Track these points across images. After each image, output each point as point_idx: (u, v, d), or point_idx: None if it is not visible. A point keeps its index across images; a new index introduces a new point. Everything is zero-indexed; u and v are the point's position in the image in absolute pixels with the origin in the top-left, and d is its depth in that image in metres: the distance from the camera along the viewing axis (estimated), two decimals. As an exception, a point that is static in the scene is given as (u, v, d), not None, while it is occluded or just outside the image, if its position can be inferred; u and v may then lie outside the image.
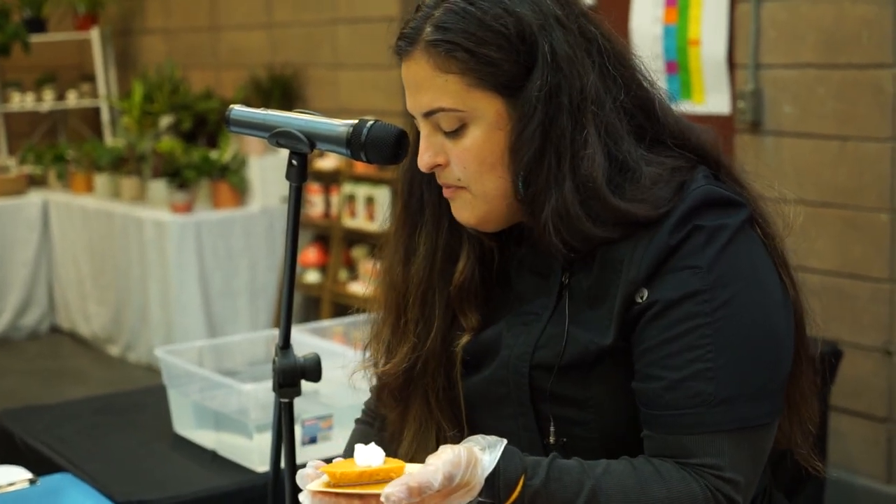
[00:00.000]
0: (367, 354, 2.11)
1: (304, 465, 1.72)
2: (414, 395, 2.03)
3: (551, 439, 1.89)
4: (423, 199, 2.00)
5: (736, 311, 1.76)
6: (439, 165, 1.89)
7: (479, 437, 1.72)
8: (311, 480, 1.69)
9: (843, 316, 4.73)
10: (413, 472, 1.63)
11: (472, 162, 1.85)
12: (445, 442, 1.89)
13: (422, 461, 1.70)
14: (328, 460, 1.73)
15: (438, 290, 1.98)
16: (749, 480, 1.77)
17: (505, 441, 1.71)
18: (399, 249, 2.02)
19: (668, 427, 1.76)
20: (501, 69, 1.81)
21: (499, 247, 1.98)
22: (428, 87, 1.84)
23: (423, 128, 1.89)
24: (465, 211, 1.90)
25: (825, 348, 4.36)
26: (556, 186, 1.80)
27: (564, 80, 1.80)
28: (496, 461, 1.69)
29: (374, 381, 2.10)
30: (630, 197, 1.80)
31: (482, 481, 1.67)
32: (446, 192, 1.92)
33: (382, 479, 1.64)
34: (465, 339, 1.97)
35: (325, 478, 1.67)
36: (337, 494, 1.65)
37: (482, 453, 1.69)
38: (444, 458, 1.64)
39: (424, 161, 1.89)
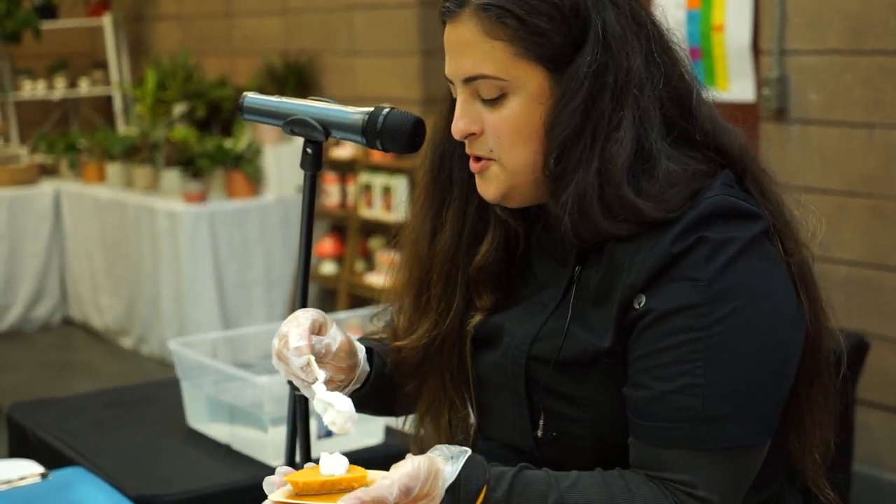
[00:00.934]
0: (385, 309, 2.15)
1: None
2: (430, 372, 2.04)
3: (539, 433, 1.88)
4: (452, 175, 1.98)
5: (733, 329, 1.72)
6: (473, 134, 1.85)
7: (443, 447, 1.72)
8: (276, 488, 1.69)
9: (870, 307, 4.69)
10: (368, 487, 1.63)
11: (507, 133, 1.82)
12: (457, 421, 2.02)
13: (434, 438, 1.87)
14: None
15: (462, 269, 1.98)
16: (726, 500, 1.74)
17: (469, 451, 1.71)
18: (426, 223, 2.01)
19: (649, 437, 1.75)
20: (551, 41, 1.77)
21: (525, 231, 1.97)
22: (472, 52, 1.80)
23: (461, 94, 1.85)
24: (492, 185, 1.87)
25: (851, 341, 4.38)
26: (584, 167, 1.78)
27: (612, 60, 1.78)
28: (457, 472, 1.69)
29: (391, 345, 2.10)
30: (643, 192, 1.77)
31: (443, 493, 1.68)
32: (474, 167, 1.89)
33: (345, 487, 1.65)
34: (476, 318, 1.98)
35: (289, 487, 1.68)
36: None
37: (445, 464, 1.69)
38: (402, 472, 1.65)
39: (459, 128, 1.86)
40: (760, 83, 4.98)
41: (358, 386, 2.02)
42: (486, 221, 1.97)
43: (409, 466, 1.65)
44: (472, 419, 2.03)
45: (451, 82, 1.88)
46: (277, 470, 1.73)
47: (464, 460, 1.69)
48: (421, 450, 1.92)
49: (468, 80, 1.82)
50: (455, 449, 1.71)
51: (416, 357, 2.03)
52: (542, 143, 1.81)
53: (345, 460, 1.67)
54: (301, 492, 1.65)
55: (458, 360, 2.01)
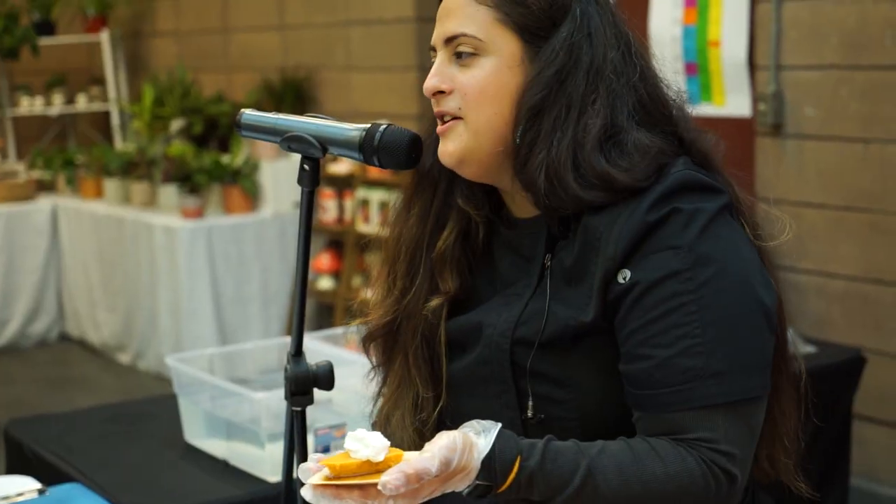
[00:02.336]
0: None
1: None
2: (396, 350, 2.09)
3: (529, 413, 1.92)
4: (427, 165, 2.05)
5: (719, 288, 1.80)
6: (441, 92, 1.96)
7: (473, 423, 1.75)
8: (312, 474, 1.71)
9: (867, 322, 4.68)
10: (410, 461, 1.66)
11: (474, 91, 1.92)
12: (421, 403, 2.05)
13: (399, 421, 1.95)
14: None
15: (425, 253, 2.05)
16: (744, 454, 1.81)
17: (499, 425, 1.75)
18: (403, 209, 2.10)
19: (660, 405, 1.80)
20: (530, 11, 1.91)
21: (486, 223, 2.04)
22: (458, 15, 1.93)
23: (440, 56, 1.98)
24: (452, 144, 1.96)
25: (848, 355, 4.38)
26: (556, 136, 1.88)
27: (588, 42, 1.91)
28: (491, 444, 1.72)
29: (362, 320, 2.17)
30: (612, 162, 1.86)
31: (478, 465, 1.71)
32: (440, 128, 1.98)
33: (382, 468, 1.66)
34: (435, 301, 2.03)
35: (326, 471, 1.69)
36: (337, 486, 1.67)
37: (477, 437, 1.72)
38: (440, 444, 1.68)
39: (430, 84, 1.98)
40: (757, 98, 4.98)
41: None
42: (450, 209, 2.04)
43: (445, 440, 1.68)
44: (442, 401, 2.05)
45: (433, 51, 2.00)
46: (311, 457, 1.75)
47: (496, 433, 1.73)
48: (387, 432, 2.04)
49: (449, 41, 1.94)
50: (485, 423, 1.75)
51: (380, 334, 2.11)
52: (510, 112, 1.91)
53: (385, 441, 1.68)
54: (339, 474, 1.67)
55: (423, 342, 2.05)
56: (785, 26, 4.84)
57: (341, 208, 7.28)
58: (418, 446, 1.93)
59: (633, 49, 1.95)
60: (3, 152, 9.33)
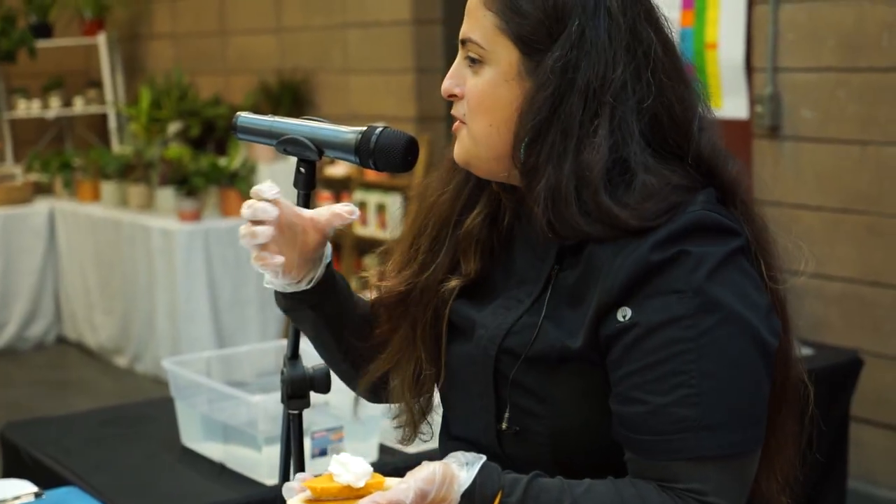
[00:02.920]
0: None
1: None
2: (403, 319, 2.06)
3: (504, 425, 1.90)
4: None
5: (721, 336, 1.75)
6: (455, 95, 1.93)
7: (458, 454, 1.74)
8: (295, 493, 1.72)
9: (864, 324, 4.68)
10: (385, 491, 1.66)
11: (473, 100, 1.89)
12: (423, 378, 2.02)
13: (398, 389, 1.97)
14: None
15: (452, 230, 2.02)
16: None
17: (484, 458, 1.74)
18: (438, 185, 2.07)
19: (652, 452, 1.76)
20: (527, 21, 1.84)
21: (513, 210, 2.01)
22: (472, 17, 1.90)
23: (459, 55, 1.94)
24: (459, 146, 1.94)
25: (845, 357, 4.39)
26: (555, 163, 1.82)
27: (586, 62, 1.82)
28: (472, 478, 1.71)
29: (374, 283, 2.14)
30: (619, 201, 1.80)
31: (458, 498, 1.70)
32: (453, 127, 1.96)
33: (362, 494, 1.67)
34: (453, 282, 2.00)
35: (308, 493, 1.70)
36: None
37: (460, 469, 1.71)
38: (419, 476, 1.67)
39: (444, 87, 1.94)
40: (754, 100, 4.98)
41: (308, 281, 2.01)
42: (482, 190, 2.01)
43: (425, 472, 1.68)
44: (442, 378, 2.03)
45: (462, 44, 1.95)
46: (296, 477, 1.75)
47: (479, 466, 1.72)
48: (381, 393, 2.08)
49: (463, 42, 1.91)
50: (470, 455, 1.73)
51: (392, 300, 2.06)
52: (506, 126, 1.86)
53: (366, 465, 1.68)
54: (320, 497, 1.68)
55: (433, 318, 2.03)
56: (782, 28, 4.84)
57: (338, 211, 7.26)
58: (413, 412, 2.06)
59: (654, 63, 1.84)
60: (1, 155, 9.33)
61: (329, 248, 2.01)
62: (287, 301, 2.03)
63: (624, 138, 1.82)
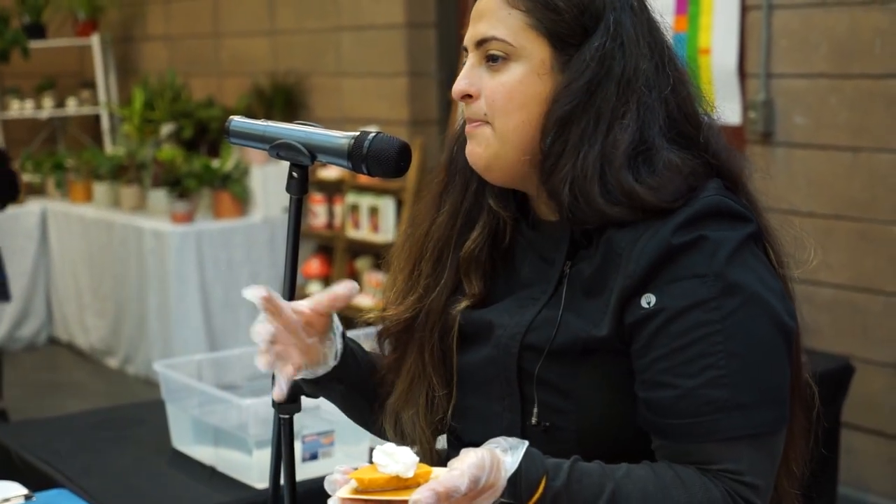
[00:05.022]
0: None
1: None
2: (411, 346, 2.07)
3: (533, 420, 1.91)
4: (458, 163, 2.04)
5: (745, 318, 1.78)
6: (469, 96, 1.93)
7: (500, 440, 1.74)
8: (339, 486, 1.70)
9: (856, 330, 4.69)
10: (440, 478, 1.65)
11: (501, 97, 1.90)
12: (435, 401, 2.02)
13: (409, 418, 1.95)
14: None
15: (453, 252, 2.04)
16: (767, 484, 1.81)
17: (527, 443, 1.74)
18: (431, 206, 2.08)
19: (684, 435, 1.78)
20: (562, 18, 1.88)
21: (513, 224, 2.02)
22: (490, 17, 1.91)
23: (470, 58, 1.95)
24: (480, 147, 1.94)
25: (836, 364, 4.39)
26: (584, 148, 1.85)
27: (620, 52, 1.88)
28: (518, 462, 1.71)
29: (379, 315, 2.15)
30: (641, 180, 1.83)
31: (505, 483, 1.70)
32: (468, 129, 1.95)
33: (411, 485, 1.65)
34: (463, 304, 2.01)
35: (354, 483, 1.67)
36: (366, 501, 1.66)
37: (504, 455, 1.71)
38: (469, 462, 1.67)
39: (458, 87, 1.94)
40: (747, 106, 4.99)
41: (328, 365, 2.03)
42: (480, 209, 2.02)
43: (473, 457, 1.67)
44: (453, 400, 2.03)
45: (465, 51, 1.96)
46: (336, 469, 1.74)
47: (523, 451, 1.72)
48: (396, 429, 2.06)
49: (480, 43, 1.91)
50: (512, 440, 1.74)
51: (398, 328, 2.07)
52: (538, 120, 1.88)
53: (412, 455, 1.67)
54: (367, 488, 1.66)
55: (440, 341, 2.04)
56: (775, 34, 4.85)
57: (331, 213, 7.28)
58: (432, 447, 2.03)
59: (667, 60, 1.92)
60: (-7, 155, 9.31)
61: (336, 318, 2.02)
62: (313, 386, 2.05)
63: (648, 124, 1.86)
